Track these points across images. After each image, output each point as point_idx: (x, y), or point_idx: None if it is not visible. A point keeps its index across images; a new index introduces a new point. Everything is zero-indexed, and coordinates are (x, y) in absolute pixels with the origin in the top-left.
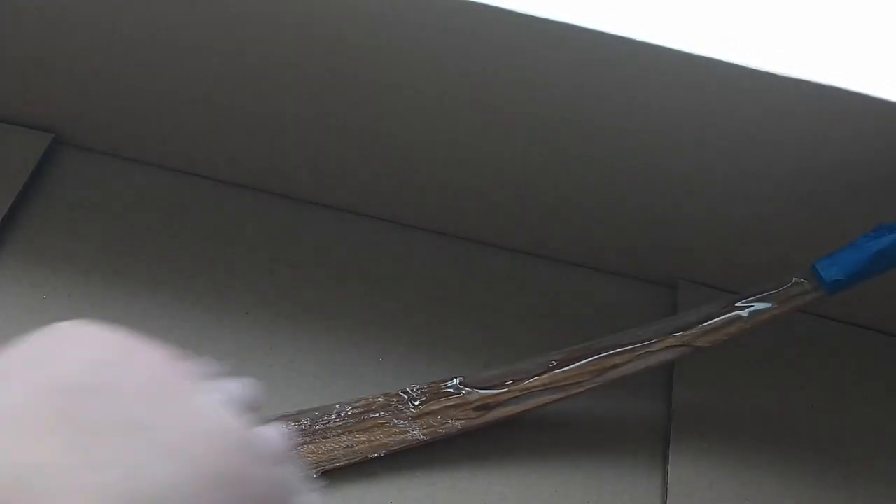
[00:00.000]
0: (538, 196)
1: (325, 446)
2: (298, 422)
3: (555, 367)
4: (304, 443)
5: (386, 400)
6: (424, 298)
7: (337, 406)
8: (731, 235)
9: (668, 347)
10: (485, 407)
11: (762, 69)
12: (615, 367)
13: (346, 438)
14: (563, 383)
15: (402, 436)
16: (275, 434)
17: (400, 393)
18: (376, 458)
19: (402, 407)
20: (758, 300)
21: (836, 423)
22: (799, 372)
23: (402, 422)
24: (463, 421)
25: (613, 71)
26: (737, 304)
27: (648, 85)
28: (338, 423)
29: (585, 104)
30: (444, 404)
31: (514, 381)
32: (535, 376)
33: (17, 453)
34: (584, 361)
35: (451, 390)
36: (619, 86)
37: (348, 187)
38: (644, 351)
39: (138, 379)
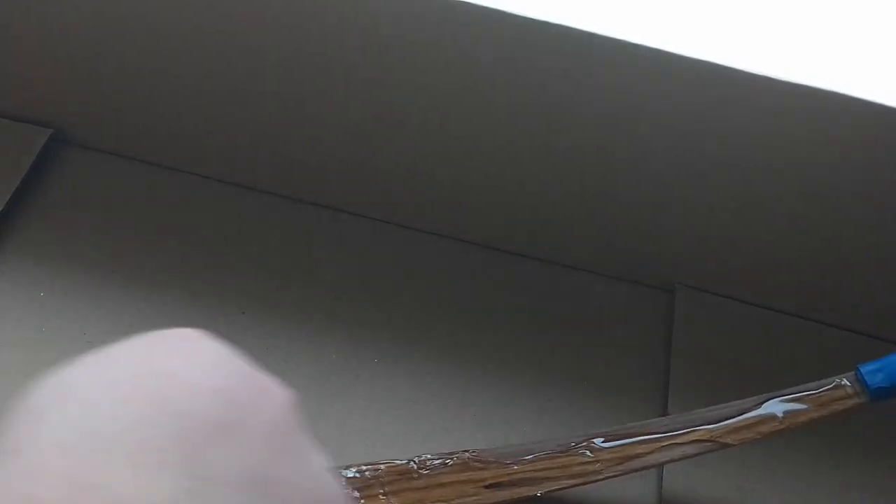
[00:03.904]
0: (536, 198)
1: None
2: None
3: (575, 448)
4: None
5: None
6: (421, 299)
7: (344, 471)
8: (728, 240)
9: (694, 441)
10: (497, 485)
11: (761, 73)
12: (638, 456)
13: None
14: (581, 468)
15: None
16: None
17: (411, 462)
18: None
19: (413, 475)
20: (795, 399)
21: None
22: None
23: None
24: (473, 497)
25: (611, 74)
26: (772, 401)
27: (646, 88)
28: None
29: (582, 107)
30: (454, 479)
31: (530, 461)
32: (553, 457)
33: (130, 488)
34: (608, 445)
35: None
36: (615, 89)
37: (347, 187)
38: (669, 442)
39: (262, 422)
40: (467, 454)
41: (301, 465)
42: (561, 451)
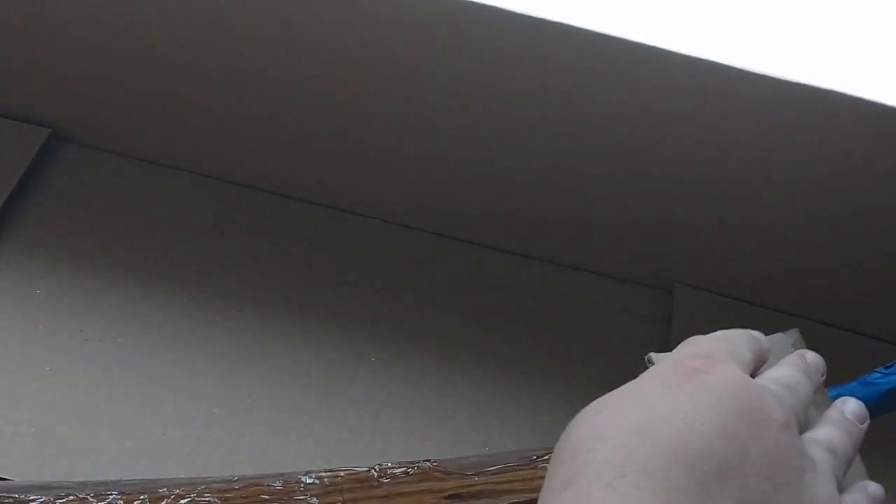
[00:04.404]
0: (535, 199)
1: None
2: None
3: (536, 462)
4: None
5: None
6: (419, 299)
7: (303, 477)
8: (727, 240)
9: None
10: (457, 496)
11: (762, 72)
12: None
13: None
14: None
15: None
16: None
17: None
18: None
19: (373, 483)
20: None
21: None
22: None
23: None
24: None
25: (611, 73)
26: None
27: (647, 87)
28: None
29: (583, 107)
30: (414, 488)
31: (492, 472)
32: (515, 469)
33: None
34: None
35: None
36: (616, 88)
37: (347, 187)
38: None
39: (760, 453)
40: (428, 464)
41: (795, 488)
42: (524, 464)
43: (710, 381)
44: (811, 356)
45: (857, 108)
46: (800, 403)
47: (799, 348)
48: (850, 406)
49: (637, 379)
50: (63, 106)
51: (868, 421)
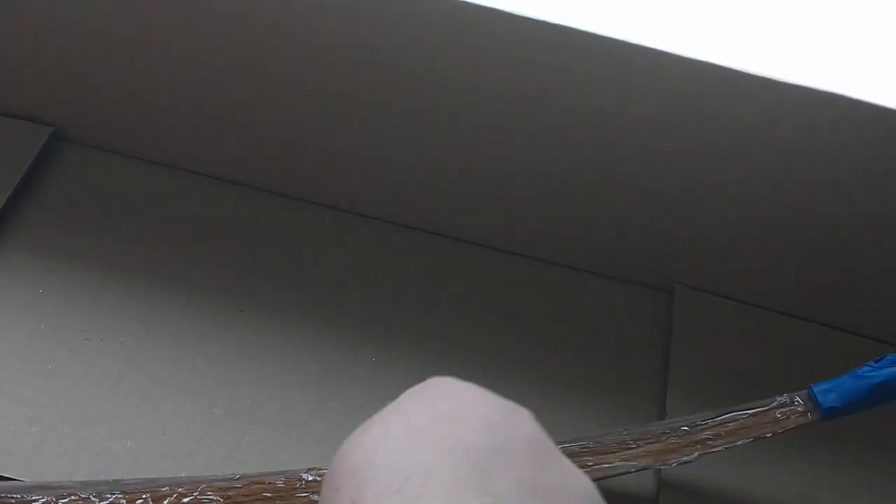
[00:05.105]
0: (535, 199)
1: None
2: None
3: None
4: None
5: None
6: (419, 299)
7: (304, 475)
8: (728, 240)
9: (626, 461)
10: None
11: (762, 75)
12: (588, 467)
13: None
14: None
15: None
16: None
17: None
18: None
19: None
20: (749, 416)
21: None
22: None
23: None
24: None
25: (611, 74)
26: (725, 416)
27: (647, 89)
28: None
29: (583, 108)
30: None
31: None
32: None
33: None
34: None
35: None
36: (617, 89)
37: (347, 187)
38: (612, 455)
39: (524, 438)
40: None
41: (558, 468)
42: None
43: (462, 389)
44: None
45: (857, 111)
46: None
47: None
48: None
49: (394, 402)
50: (65, 105)
51: None
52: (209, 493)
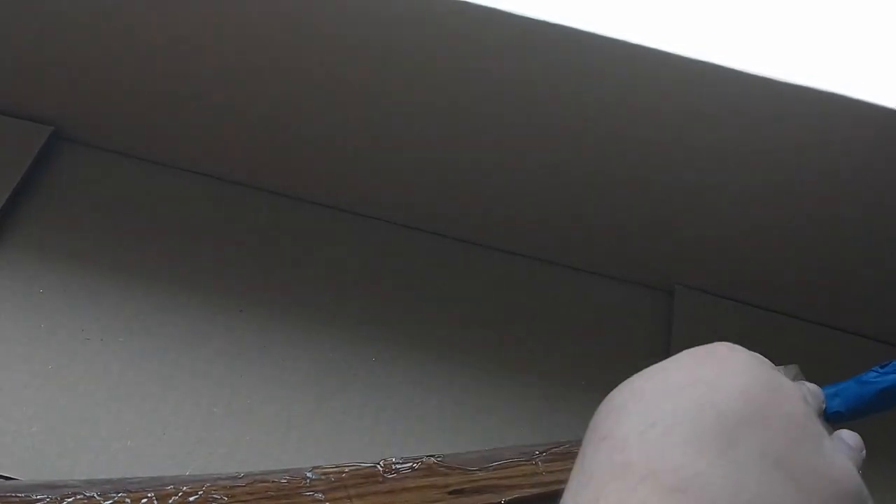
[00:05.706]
0: (535, 199)
1: None
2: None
3: (538, 457)
4: None
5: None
6: (419, 299)
7: (308, 473)
8: (728, 241)
9: None
10: (460, 492)
11: (762, 74)
12: None
13: None
14: (545, 478)
15: None
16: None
17: (377, 465)
18: None
19: (378, 478)
20: None
21: None
22: None
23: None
24: (437, 503)
25: (611, 74)
26: None
27: (647, 89)
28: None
29: (583, 108)
30: (419, 483)
31: (495, 468)
32: (517, 465)
33: (681, 462)
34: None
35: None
36: (617, 89)
37: (347, 187)
38: None
39: (780, 415)
40: (433, 459)
41: (814, 449)
42: (526, 460)
43: (733, 359)
44: (812, 386)
45: (858, 110)
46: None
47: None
48: (846, 435)
49: (672, 357)
50: (65, 104)
51: (864, 450)
52: (213, 491)
